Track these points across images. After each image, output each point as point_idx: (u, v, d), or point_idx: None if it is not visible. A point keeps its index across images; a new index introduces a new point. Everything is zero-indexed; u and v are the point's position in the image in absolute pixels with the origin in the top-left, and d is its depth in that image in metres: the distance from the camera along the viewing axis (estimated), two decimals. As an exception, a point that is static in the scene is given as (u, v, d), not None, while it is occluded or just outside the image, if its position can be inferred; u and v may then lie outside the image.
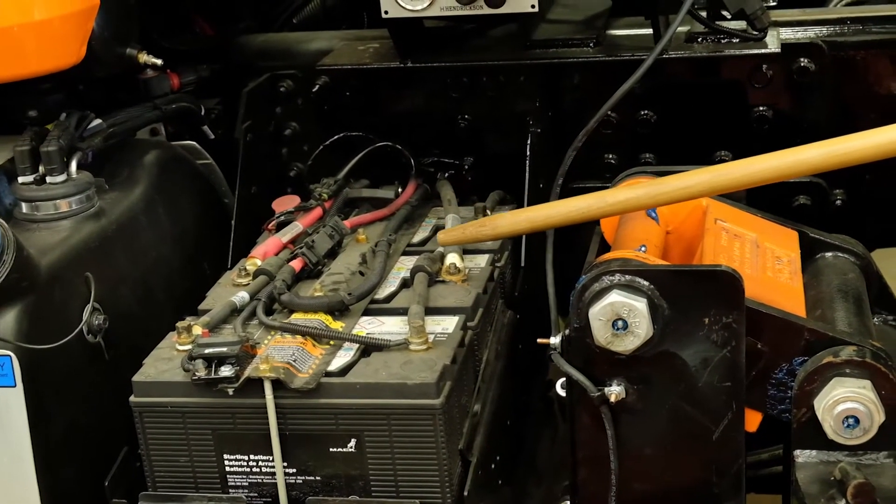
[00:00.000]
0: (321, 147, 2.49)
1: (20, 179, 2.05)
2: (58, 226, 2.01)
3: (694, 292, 1.67)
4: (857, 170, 2.35)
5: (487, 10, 2.19)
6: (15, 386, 1.78)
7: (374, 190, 2.39)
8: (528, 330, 2.19)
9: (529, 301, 2.23)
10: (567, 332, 1.73)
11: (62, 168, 2.04)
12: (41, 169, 2.04)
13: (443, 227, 2.20)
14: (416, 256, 2.10)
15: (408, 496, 1.77)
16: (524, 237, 2.24)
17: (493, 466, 1.93)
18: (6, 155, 2.12)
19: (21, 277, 1.79)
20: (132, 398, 1.82)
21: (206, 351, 1.77)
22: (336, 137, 2.47)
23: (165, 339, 1.92)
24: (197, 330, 1.88)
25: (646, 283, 1.67)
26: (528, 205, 2.27)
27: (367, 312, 1.96)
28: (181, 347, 1.86)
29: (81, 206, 2.05)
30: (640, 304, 1.66)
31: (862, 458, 1.68)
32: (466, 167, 2.48)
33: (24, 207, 2.04)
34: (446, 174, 2.45)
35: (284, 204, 2.34)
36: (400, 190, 2.38)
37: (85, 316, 1.89)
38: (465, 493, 1.77)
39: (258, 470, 1.81)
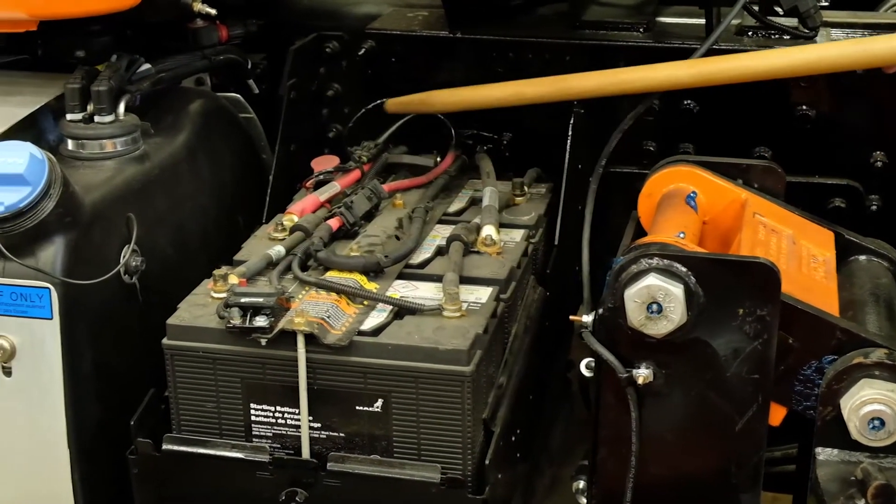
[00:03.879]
0: (363, 111, 2.49)
1: (68, 117, 2.06)
2: (102, 165, 2.02)
3: (731, 282, 1.67)
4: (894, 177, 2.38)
5: (545, -16, 2.20)
6: (52, 318, 1.80)
7: (413, 157, 2.40)
8: (556, 308, 2.21)
9: (559, 279, 2.24)
10: (600, 311, 1.74)
11: (111, 109, 2.05)
12: (90, 108, 2.06)
13: (479, 200, 2.21)
14: (451, 226, 2.11)
15: (429, 460, 1.78)
16: (560, 217, 2.25)
17: (513, 439, 1.94)
18: (54, 92, 2.13)
19: (65, 213, 1.81)
20: (165, 340, 1.83)
21: (243, 300, 1.79)
22: (378, 102, 2.48)
23: (201, 285, 1.93)
24: (233, 279, 1.89)
25: (683, 269, 1.68)
26: (567, 186, 2.27)
27: (401, 276, 1.97)
28: (216, 295, 1.88)
29: (127, 148, 2.06)
30: (677, 290, 1.67)
31: (883, 461, 1.68)
32: (505, 142, 2.49)
33: (70, 145, 2.05)
34: (485, 147, 2.46)
35: (324, 163, 2.35)
36: (438, 159, 2.39)
37: (124, 256, 1.91)
38: (487, 463, 1.78)
39: (283, 422, 1.83)
